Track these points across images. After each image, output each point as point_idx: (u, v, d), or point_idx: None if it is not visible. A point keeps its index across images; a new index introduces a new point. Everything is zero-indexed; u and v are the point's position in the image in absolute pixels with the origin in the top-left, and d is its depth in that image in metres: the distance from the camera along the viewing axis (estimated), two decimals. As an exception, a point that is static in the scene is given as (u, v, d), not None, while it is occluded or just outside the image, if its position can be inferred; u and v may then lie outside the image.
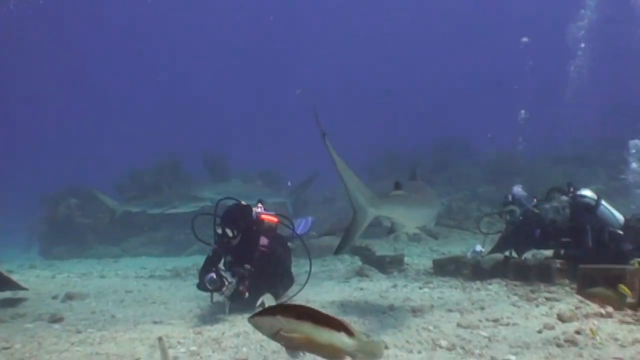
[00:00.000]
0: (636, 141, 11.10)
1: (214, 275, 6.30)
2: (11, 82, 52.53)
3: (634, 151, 11.09)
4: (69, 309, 7.20)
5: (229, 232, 6.65)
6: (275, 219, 7.34)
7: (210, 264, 6.80)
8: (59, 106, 58.89)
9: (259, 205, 7.34)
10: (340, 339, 2.77)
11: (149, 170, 20.78)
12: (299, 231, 7.77)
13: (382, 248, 13.46)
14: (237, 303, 6.47)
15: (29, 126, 58.56)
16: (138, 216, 17.29)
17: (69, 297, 8.10)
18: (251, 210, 7.04)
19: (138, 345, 4.93)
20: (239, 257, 6.67)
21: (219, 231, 6.71)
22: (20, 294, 8.25)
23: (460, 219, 17.20)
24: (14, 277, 8.55)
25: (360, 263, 10.35)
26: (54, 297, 8.25)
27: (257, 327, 2.98)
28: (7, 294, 8.11)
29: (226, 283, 6.28)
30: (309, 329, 2.79)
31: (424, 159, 23.15)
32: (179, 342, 4.97)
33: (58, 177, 27.81)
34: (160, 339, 2.52)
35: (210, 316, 6.27)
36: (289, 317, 2.84)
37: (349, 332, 2.80)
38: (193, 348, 4.75)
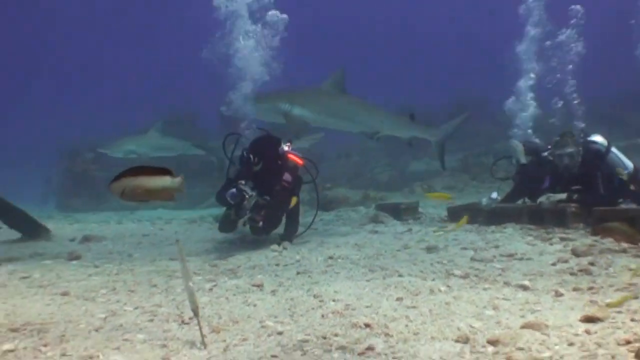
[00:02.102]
0: None
1: (234, 190, 6.46)
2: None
3: None
4: (86, 250, 7.28)
5: (252, 158, 6.79)
6: (300, 161, 7.38)
7: (229, 184, 6.91)
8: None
9: (288, 144, 7.38)
10: (167, 181, 3.57)
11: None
12: None
13: (397, 200, 13.50)
14: (248, 240, 6.76)
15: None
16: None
17: (86, 239, 8.22)
18: (279, 144, 7.10)
19: (155, 276, 5.00)
20: (260, 186, 6.72)
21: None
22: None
23: (477, 172, 17.21)
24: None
25: (375, 211, 10.34)
26: (72, 240, 8.39)
27: (113, 191, 3.60)
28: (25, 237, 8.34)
29: (247, 196, 6.42)
30: (144, 181, 3.53)
31: (440, 115, 22.77)
32: (195, 273, 5.03)
33: (74, 131, 27.90)
34: (177, 240, 2.61)
35: (226, 253, 6.34)
36: (128, 177, 3.52)
37: (172, 174, 3.58)
38: (210, 276, 4.81)
